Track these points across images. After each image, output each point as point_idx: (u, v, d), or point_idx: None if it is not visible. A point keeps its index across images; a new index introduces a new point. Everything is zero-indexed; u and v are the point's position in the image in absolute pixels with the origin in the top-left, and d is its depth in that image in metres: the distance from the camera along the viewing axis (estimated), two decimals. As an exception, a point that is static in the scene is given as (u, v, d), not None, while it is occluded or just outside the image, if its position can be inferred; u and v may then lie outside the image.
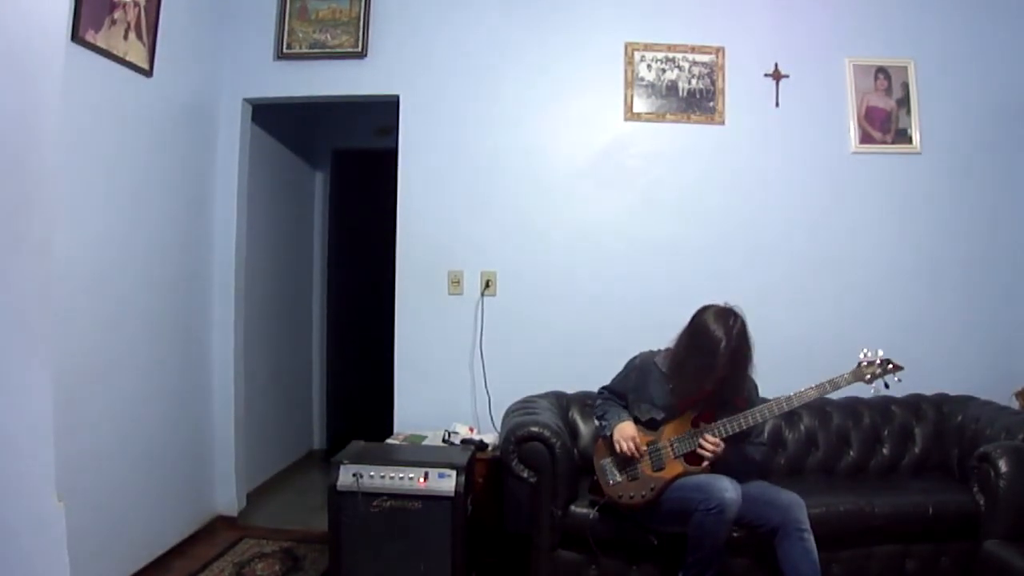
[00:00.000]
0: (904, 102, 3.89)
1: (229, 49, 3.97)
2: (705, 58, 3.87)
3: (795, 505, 2.75)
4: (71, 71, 2.69)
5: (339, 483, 2.90)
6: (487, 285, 3.89)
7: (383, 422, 3.94)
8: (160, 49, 3.34)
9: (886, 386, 2.87)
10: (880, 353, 2.87)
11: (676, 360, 2.89)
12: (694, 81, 3.88)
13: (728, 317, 2.77)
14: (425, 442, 3.54)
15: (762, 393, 3.03)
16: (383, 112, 4.48)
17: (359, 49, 3.91)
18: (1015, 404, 3.60)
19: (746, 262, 3.82)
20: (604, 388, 3.17)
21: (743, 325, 2.77)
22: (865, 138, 3.89)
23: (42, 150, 1.58)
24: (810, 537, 2.70)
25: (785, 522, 2.72)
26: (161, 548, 3.46)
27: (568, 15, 3.91)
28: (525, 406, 3.34)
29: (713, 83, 3.87)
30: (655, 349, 3.09)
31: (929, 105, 3.88)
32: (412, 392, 3.89)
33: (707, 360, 2.74)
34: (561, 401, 3.56)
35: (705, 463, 2.79)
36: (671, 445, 2.85)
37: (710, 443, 2.77)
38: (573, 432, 3.44)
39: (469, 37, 3.94)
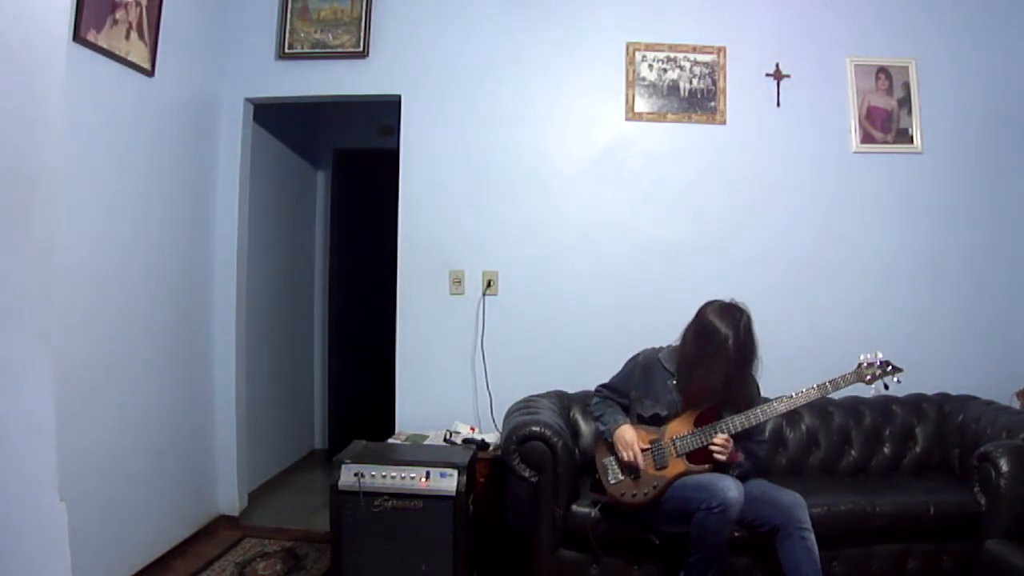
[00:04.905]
0: (905, 102, 3.89)
1: (231, 49, 3.97)
2: (706, 58, 3.87)
3: (796, 505, 2.75)
4: (72, 71, 2.70)
5: (340, 483, 2.90)
6: (488, 285, 3.89)
7: (385, 422, 3.94)
8: (162, 49, 3.35)
9: (886, 387, 2.87)
10: (879, 355, 2.87)
11: (682, 356, 2.89)
12: (695, 81, 3.88)
13: (734, 312, 2.78)
14: (427, 442, 3.55)
15: (763, 392, 3.03)
16: (385, 112, 4.50)
17: (360, 49, 3.91)
18: (1016, 404, 3.60)
19: (747, 261, 3.82)
20: (602, 386, 3.17)
21: (749, 320, 2.78)
22: (866, 138, 3.89)
23: (43, 150, 1.58)
24: (811, 536, 2.70)
25: (786, 522, 2.72)
26: (163, 547, 3.46)
27: (569, 15, 3.91)
28: (526, 406, 3.34)
29: (714, 83, 3.87)
30: (657, 346, 3.09)
31: (930, 105, 3.88)
32: (414, 392, 3.90)
33: (714, 355, 2.74)
34: (563, 400, 3.56)
35: (707, 464, 2.80)
36: (674, 444, 2.86)
37: (720, 442, 2.77)
38: (574, 431, 3.45)
39: (470, 37, 3.94)
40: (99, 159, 3.01)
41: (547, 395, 3.56)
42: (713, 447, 2.79)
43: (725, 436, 2.78)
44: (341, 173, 5.43)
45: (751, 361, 2.81)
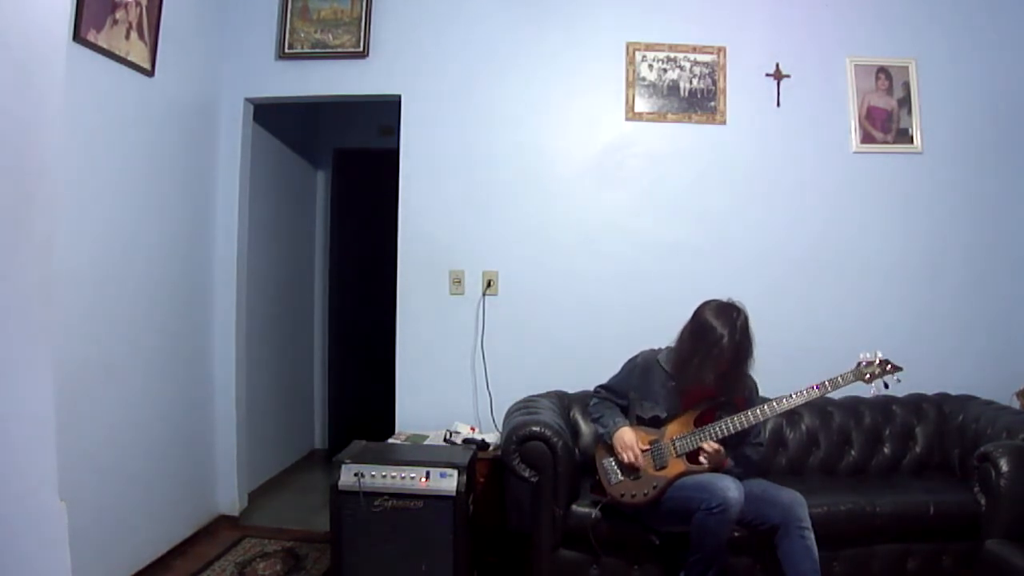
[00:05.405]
0: (905, 102, 3.89)
1: (231, 49, 3.97)
2: (706, 58, 3.87)
3: (796, 503, 2.75)
4: (73, 71, 2.70)
5: (341, 482, 2.90)
6: (488, 285, 3.89)
7: (385, 421, 3.94)
8: (162, 49, 3.35)
9: (886, 386, 2.86)
10: (879, 354, 2.87)
11: (679, 355, 2.89)
12: (695, 81, 3.88)
13: (731, 311, 2.78)
14: (427, 442, 3.55)
15: (763, 392, 3.04)
16: (385, 112, 4.49)
17: (360, 49, 3.91)
18: (1016, 404, 3.60)
19: (747, 262, 3.82)
20: (601, 387, 3.18)
21: (745, 319, 2.78)
22: (866, 138, 3.89)
23: (43, 150, 1.58)
24: (811, 535, 2.70)
25: (786, 521, 2.72)
26: (163, 548, 3.46)
27: (569, 15, 3.91)
28: (526, 406, 3.34)
29: (714, 83, 3.87)
30: (656, 348, 3.09)
31: (930, 105, 3.88)
32: (414, 391, 3.90)
33: (710, 354, 2.75)
34: (563, 401, 3.56)
35: (706, 464, 2.81)
36: (673, 444, 2.86)
37: (708, 449, 2.79)
38: (574, 432, 3.45)
39: (471, 37, 3.94)
40: (99, 159, 3.01)
41: (547, 395, 3.56)
42: (701, 452, 2.80)
43: (716, 446, 2.79)
44: (341, 173, 5.43)
45: (747, 360, 2.81)
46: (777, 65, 3.89)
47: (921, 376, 3.39)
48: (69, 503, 1.64)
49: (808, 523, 2.72)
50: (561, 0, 3.92)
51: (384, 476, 2.90)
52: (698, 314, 2.85)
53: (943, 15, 3.89)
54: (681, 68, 3.88)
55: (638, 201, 3.89)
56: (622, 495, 2.89)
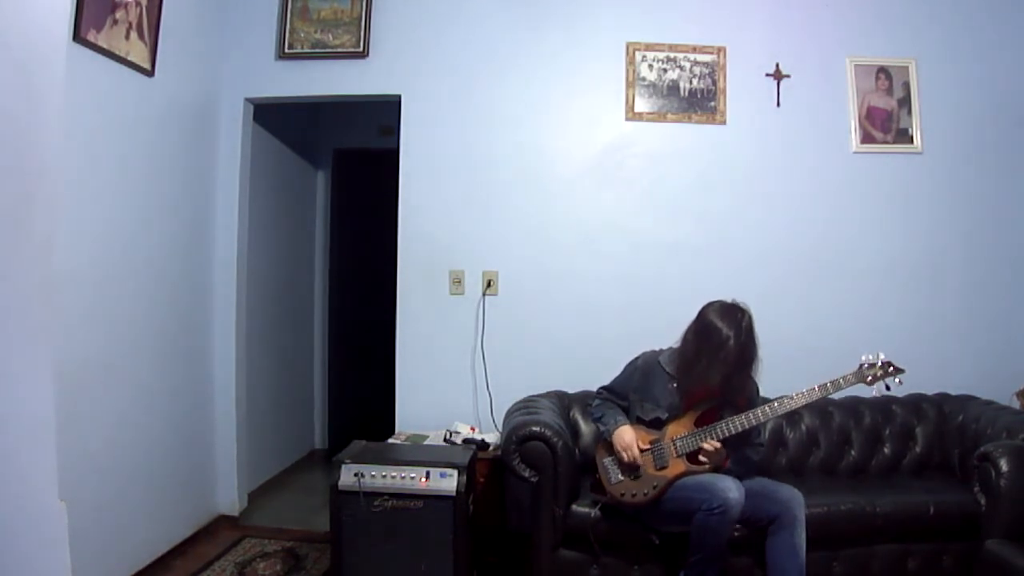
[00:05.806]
0: (905, 102, 3.89)
1: (231, 49, 3.97)
2: (706, 58, 3.87)
3: (794, 500, 2.75)
4: (73, 71, 2.70)
5: (340, 482, 2.90)
6: (488, 285, 3.89)
7: (385, 421, 3.94)
8: (162, 49, 3.35)
9: (887, 387, 2.86)
10: (881, 356, 2.86)
11: (683, 357, 2.88)
12: (695, 81, 3.88)
13: (735, 312, 2.78)
14: (426, 442, 3.55)
15: (764, 393, 3.03)
16: (385, 112, 4.50)
17: (360, 49, 3.91)
18: (1016, 404, 3.60)
19: (747, 262, 3.82)
20: (603, 388, 3.17)
21: (750, 320, 2.78)
22: (866, 138, 3.89)
23: (43, 149, 1.58)
24: (802, 535, 2.71)
25: (782, 514, 2.73)
26: (163, 548, 3.46)
27: (569, 15, 3.91)
28: (526, 406, 3.34)
29: (714, 83, 3.87)
30: (657, 349, 3.09)
31: (930, 105, 3.88)
32: (414, 391, 3.90)
33: (716, 356, 2.74)
34: (563, 401, 3.56)
35: (707, 464, 2.80)
36: (674, 444, 2.85)
37: (708, 448, 2.78)
38: (574, 431, 3.45)
39: (471, 37, 3.94)
40: (99, 159, 3.01)
41: (547, 395, 3.56)
42: (702, 451, 2.79)
43: (716, 444, 2.78)
44: (341, 173, 5.43)
45: (752, 362, 2.80)
46: (777, 65, 3.89)
47: (921, 376, 3.38)
48: (69, 503, 1.64)
49: (803, 521, 2.72)
50: (561, 0, 3.92)
51: (384, 476, 2.90)
52: (702, 315, 2.84)
53: (943, 15, 3.89)
54: (681, 68, 3.88)
55: (638, 201, 3.89)
56: (622, 494, 2.89)
